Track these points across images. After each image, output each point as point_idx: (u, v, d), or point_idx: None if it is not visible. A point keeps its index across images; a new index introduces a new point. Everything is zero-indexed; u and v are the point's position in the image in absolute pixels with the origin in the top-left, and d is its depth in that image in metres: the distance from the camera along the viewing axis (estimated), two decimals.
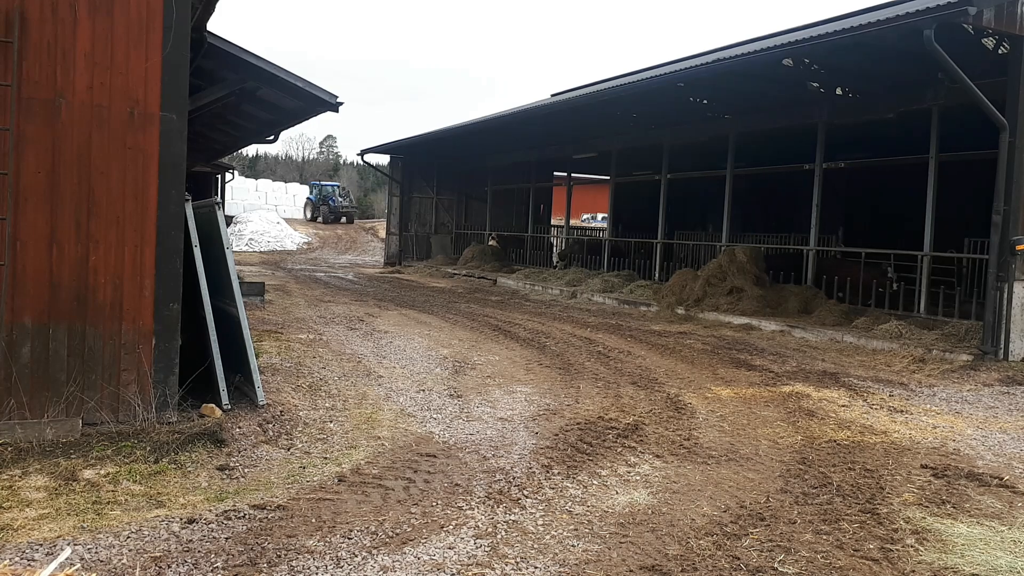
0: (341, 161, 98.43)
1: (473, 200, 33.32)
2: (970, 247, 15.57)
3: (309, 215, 54.59)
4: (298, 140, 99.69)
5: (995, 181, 11.48)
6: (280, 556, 4.33)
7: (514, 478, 5.78)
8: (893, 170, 20.74)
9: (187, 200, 6.74)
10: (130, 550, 4.33)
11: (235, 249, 37.14)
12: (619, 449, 6.60)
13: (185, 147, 6.62)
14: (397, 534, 4.70)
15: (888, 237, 20.04)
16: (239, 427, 6.62)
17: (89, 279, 6.26)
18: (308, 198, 56.36)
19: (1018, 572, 4.42)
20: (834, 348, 12.78)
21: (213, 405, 6.85)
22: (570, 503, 5.32)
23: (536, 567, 4.32)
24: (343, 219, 54.26)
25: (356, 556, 4.37)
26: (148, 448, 5.85)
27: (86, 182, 6.22)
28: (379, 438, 6.73)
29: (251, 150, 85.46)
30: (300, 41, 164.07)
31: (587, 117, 21.90)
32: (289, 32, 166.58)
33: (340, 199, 55.12)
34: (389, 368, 9.86)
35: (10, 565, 3.98)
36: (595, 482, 5.76)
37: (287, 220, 51.01)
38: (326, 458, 6.13)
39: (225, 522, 4.77)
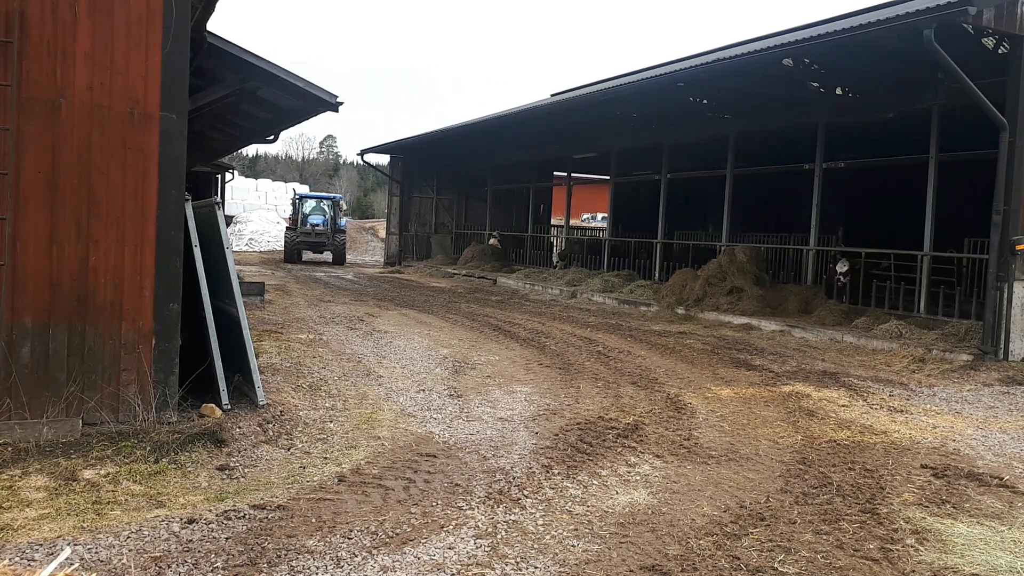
0: (341, 161, 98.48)
1: (473, 200, 33.31)
2: (970, 247, 15.57)
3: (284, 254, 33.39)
4: (298, 140, 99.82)
5: (995, 181, 11.49)
6: (280, 556, 4.33)
7: (514, 478, 5.78)
8: (893, 170, 20.73)
9: (187, 200, 6.74)
10: (130, 550, 4.33)
11: (235, 249, 36.88)
12: (619, 449, 6.60)
13: (185, 147, 6.62)
14: (397, 534, 4.70)
15: (888, 237, 20.03)
16: (239, 427, 6.62)
17: (89, 279, 6.25)
18: (287, 226, 34.83)
19: (1018, 572, 4.42)
20: (834, 348, 12.78)
21: (213, 405, 6.85)
22: (570, 503, 5.32)
23: (536, 567, 4.32)
24: (323, 250, 33.13)
25: (356, 556, 4.37)
26: (148, 448, 5.84)
27: (86, 182, 6.22)
28: (379, 438, 6.73)
29: (251, 150, 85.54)
30: (304, 49, 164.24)
31: (587, 117, 21.90)
32: (291, 37, 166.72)
33: (318, 222, 32.82)
34: (389, 368, 9.86)
35: (10, 565, 3.98)
36: (595, 482, 5.76)
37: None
38: (326, 458, 6.13)
39: (225, 522, 4.77)
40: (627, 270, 22.38)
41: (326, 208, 33.52)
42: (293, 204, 35.10)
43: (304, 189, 57.32)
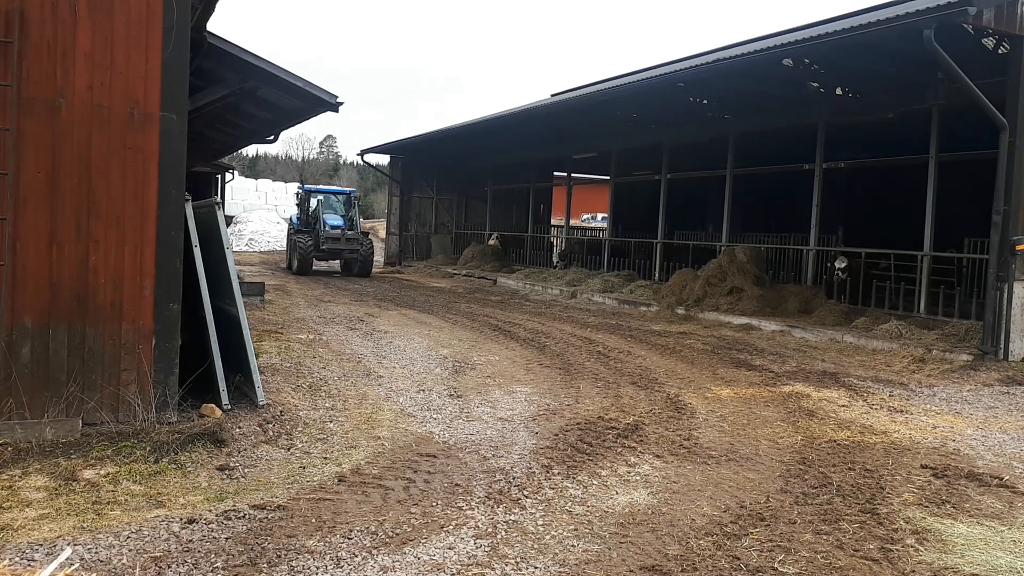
0: (341, 161, 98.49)
1: (473, 200, 33.33)
2: (970, 247, 15.57)
3: (288, 261, 27.19)
4: (298, 140, 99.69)
5: (995, 181, 11.49)
6: (280, 556, 4.33)
7: (514, 478, 5.78)
8: (893, 170, 20.73)
9: (187, 200, 6.74)
10: (130, 550, 4.33)
11: (235, 249, 36.73)
12: (619, 449, 6.60)
13: (185, 147, 6.62)
14: (397, 534, 4.70)
15: (888, 237, 20.03)
16: (239, 427, 6.62)
17: (89, 279, 6.25)
18: (290, 221, 27.69)
19: (1018, 572, 4.42)
20: (834, 348, 12.78)
21: (213, 405, 6.85)
22: (570, 503, 5.32)
23: (536, 567, 4.32)
24: (335, 259, 26.05)
25: (356, 556, 4.37)
26: (148, 448, 5.84)
27: (86, 182, 6.22)
28: (379, 438, 6.73)
29: (251, 150, 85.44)
30: (304, 49, 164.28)
31: (587, 117, 21.91)
32: (292, 37, 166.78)
33: (339, 223, 25.28)
34: (389, 368, 9.86)
35: (10, 565, 3.98)
36: (595, 482, 5.76)
37: (287, 220, 50.60)
38: (326, 458, 6.13)
39: (225, 522, 4.77)
40: (627, 270, 22.39)
41: (337, 205, 26.67)
42: (299, 201, 27.09)
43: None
